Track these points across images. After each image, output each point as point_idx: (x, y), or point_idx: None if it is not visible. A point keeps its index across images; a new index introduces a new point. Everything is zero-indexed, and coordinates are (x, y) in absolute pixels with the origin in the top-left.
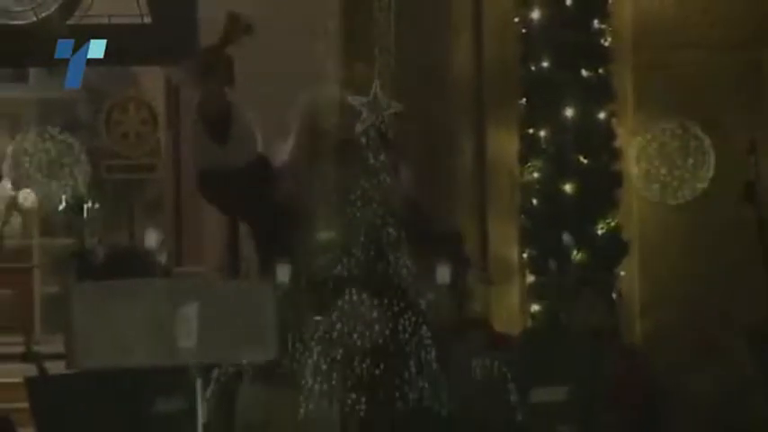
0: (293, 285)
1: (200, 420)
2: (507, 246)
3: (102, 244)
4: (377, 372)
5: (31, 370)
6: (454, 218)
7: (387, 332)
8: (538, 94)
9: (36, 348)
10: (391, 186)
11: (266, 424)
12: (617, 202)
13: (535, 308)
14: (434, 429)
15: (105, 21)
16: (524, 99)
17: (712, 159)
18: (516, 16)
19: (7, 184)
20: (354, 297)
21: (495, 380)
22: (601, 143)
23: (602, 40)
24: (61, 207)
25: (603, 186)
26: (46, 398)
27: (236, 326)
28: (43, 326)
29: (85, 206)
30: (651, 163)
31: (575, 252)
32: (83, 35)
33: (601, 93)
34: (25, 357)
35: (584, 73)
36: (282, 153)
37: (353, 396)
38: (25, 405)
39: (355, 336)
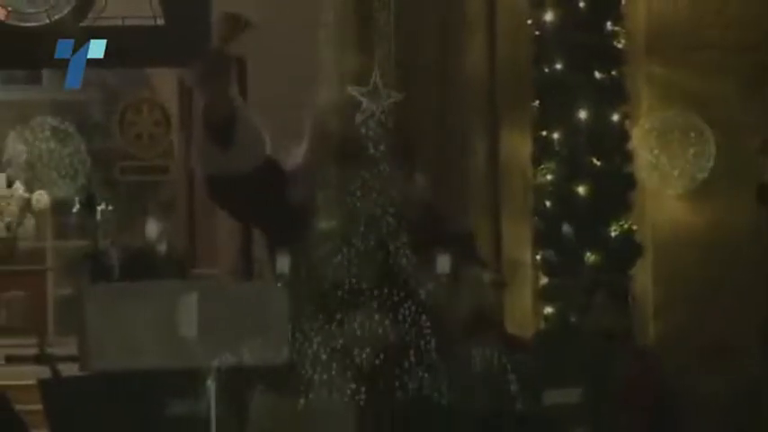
0: (293, 276)
1: (213, 423)
2: (520, 247)
3: (116, 246)
4: (377, 362)
5: (44, 372)
6: (467, 219)
7: (387, 322)
8: (551, 96)
9: (49, 350)
10: (403, 187)
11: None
12: (630, 203)
13: (548, 310)
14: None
15: (119, 22)
16: (537, 101)
17: (713, 149)
18: (529, 18)
19: (20, 186)
20: (354, 287)
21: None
22: (614, 145)
23: (615, 42)
24: (74, 209)
25: (617, 188)
26: (59, 400)
27: (250, 328)
28: (56, 328)
29: (99, 208)
30: (651, 152)
31: (588, 254)
32: (96, 37)
33: (614, 95)
34: (38, 359)
35: (597, 75)
36: (295, 156)
37: (353, 386)
38: (39, 407)
39: (355, 325)
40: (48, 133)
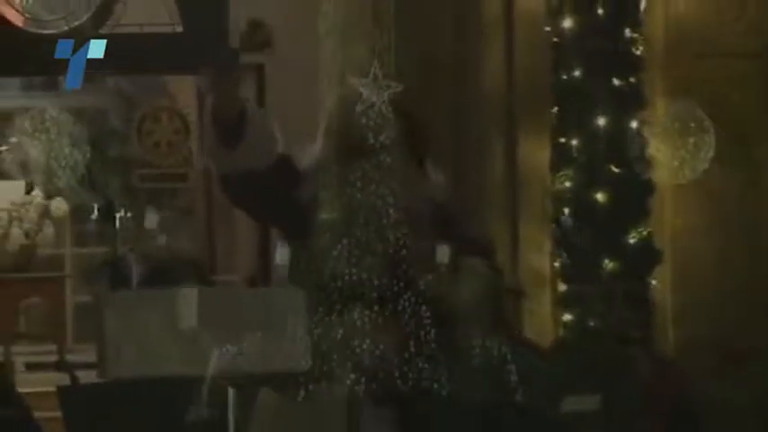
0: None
1: (232, 431)
2: (539, 255)
3: (135, 253)
4: (377, 352)
5: (63, 379)
6: (486, 226)
7: (386, 312)
8: (569, 102)
9: (68, 357)
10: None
11: None
12: (649, 210)
13: (567, 317)
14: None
15: (137, 30)
16: (556, 108)
17: (713, 139)
18: (547, 25)
19: (39, 193)
20: (354, 278)
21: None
22: (633, 152)
23: (633, 49)
24: (93, 216)
25: (635, 195)
26: (78, 407)
27: (268, 335)
28: (75, 335)
29: (117, 215)
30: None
31: (606, 261)
32: (114, 44)
33: (632, 101)
34: (57, 366)
35: (615, 82)
36: (310, 154)
37: (353, 376)
38: (57, 414)
39: (355, 316)
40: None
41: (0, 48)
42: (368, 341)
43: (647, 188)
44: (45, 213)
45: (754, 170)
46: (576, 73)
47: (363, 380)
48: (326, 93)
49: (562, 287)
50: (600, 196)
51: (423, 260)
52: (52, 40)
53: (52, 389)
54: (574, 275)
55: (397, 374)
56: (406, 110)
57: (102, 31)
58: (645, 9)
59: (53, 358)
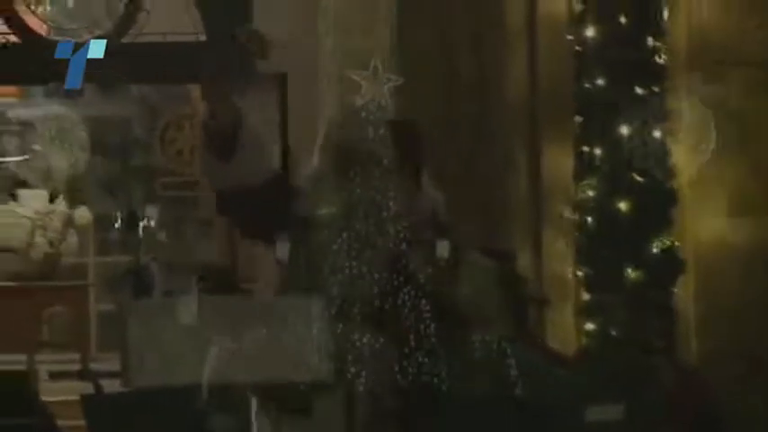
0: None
1: None
2: (562, 264)
3: (158, 261)
4: (376, 345)
5: (86, 388)
6: (509, 235)
7: (386, 306)
8: (592, 111)
9: (92, 366)
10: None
11: None
12: (672, 220)
13: (590, 326)
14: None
15: (160, 39)
16: (579, 117)
17: (713, 132)
18: (570, 34)
19: (62, 202)
20: (354, 272)
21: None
22: (656, 161)
23: (656, 58)
24: (117, 224)
25: (659, 204)
26: (101, 416)
27: (289, 344)
28: (99, 344)
29: (141, 224)
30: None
31: (629, 270)
32: (137, 53)
33: (656, 110)
34: (81, 375)
35: (638, 90)
36: (305, 170)
37: (353, 370)
38: (81, 423)
39: (355, 310)
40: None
41: (23, 56)
42: (368, 335)
43: (671, 197)
44: (68, 222)
45: None
46: (599, 82)
47: (363, 373)
48: (326, 92)
49: (585, 296)
50: (623, 205)
51: (422, 257)
52: (75, 49)
53: (76, 398)
54: (597, 285)
55: (397, 368)
56: (399, 122)
57: (124, 40)
58: (668, 18)
59: (77, 367)
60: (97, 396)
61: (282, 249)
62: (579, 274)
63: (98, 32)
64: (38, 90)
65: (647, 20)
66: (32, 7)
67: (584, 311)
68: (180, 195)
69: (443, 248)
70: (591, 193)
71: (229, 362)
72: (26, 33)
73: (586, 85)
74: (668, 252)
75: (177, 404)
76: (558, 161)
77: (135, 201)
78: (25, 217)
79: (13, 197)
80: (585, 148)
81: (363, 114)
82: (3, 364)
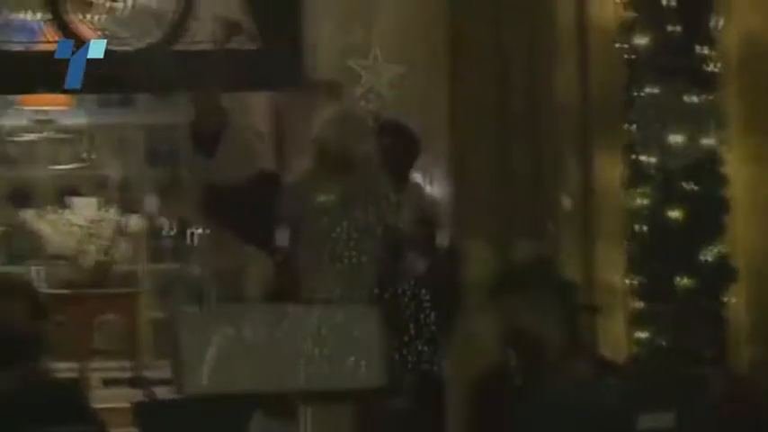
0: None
1: None
2: (613, 272)
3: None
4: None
5: (138, 395)
6: (560, 242)
7: (386, 295)
8: (644, 119)
9: (144, 373)
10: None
11: None
12: (724, 228)
13: (641, 334)
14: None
15: (212, 46)
16: (630, 124)
17: (712, 124)
18: (621, 42)
19: (115, 210)
20: (354, 261)
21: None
22: (708, 169)
23: (707, 66)
24: (169, 232)
25: (711, 212)
26: (153, 423)
27: (342, 351)
28: (151, 351)
29: (192, 231)
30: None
31: (681, 279)
32: (189, 61)
33: (707, 118)
34: (133, 382)
35: (690, 98)
36: (296, 170)
37: (352, 359)
38: (133, 430)
39: (355, 298)
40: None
41: None
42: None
43: (723, 205)
44: (120, 230)
45: None
46: (651, 90)
47: (363, 363)
48: (328, 115)
49: (637, 305)
50: (675, 213)
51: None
52: (126, 58)
53: (128, 405)
54: (648, 293)
55: (397, 356)
56: (393, 124)
57: (176, 48)
58: (718, 26)
59: (128, 374)
60: (149, 403)
61: (282, 236)
62: (631, 282)
63: (149, 40)
64: (90, 98)
65: (698, 28)
66: (85, 16)
67: (636, 320)
68: None
69: (443, 238)
70: (642, 202)
71: (280, 369)
72: (78, 42)
73: (637, 93)
74: (720, 260)
75: (229, 411)
76: (610, 169)
77: (187, 209)
78: (77, 225)
79: (66, 205)
80: (637, 157)
81: (363, 103)
82: (55, 372)
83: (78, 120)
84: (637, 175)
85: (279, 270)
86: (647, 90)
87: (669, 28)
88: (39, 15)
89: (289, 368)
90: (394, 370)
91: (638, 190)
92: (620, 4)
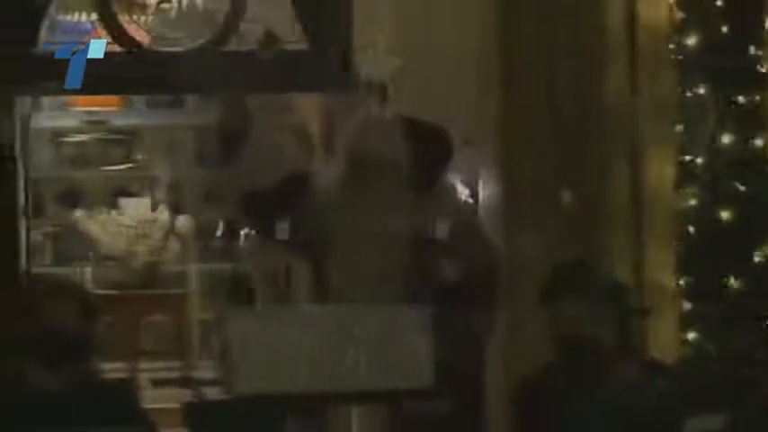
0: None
1: None
2: (663, 273)
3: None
4: None
5: (188, 395)
6: (610, 244)
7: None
8: (694, 120)
9: (193, 374)
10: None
11: None
12: None
13: (691, 335)
14: None
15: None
16: (680, 125)
17: (712, 119)
18: (671, 42)
19: (164, 210)
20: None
21: None
22: (758, 169)
23: (758, 66)
24: (217, 233)
25: (761, 213)
26: (203, 423)
27: (387, 352)
28: (200, 351)
29: (242, 232)
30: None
31: (731, 280)
32: (238, 62)
33: (758, 119)
34: (182, 383)
35: (740, 99)
36: (327, 172)
37: (352, 352)
38: (183, 431)
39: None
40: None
41: (125, 66)
42: None
43: None
44: (170, 230)
45: None
46: (701, 90)
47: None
48: (361, 118)
49: (686, 305)
50: (725, 214)
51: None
52: (177, 59)
53: (177, 405)
54: (698, 294)
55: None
56: (425, 127)
57: (225, 49)
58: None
59: (178, 375)
60: (198, 403)
61: (282, 230)
62: (680, 283)
63: (199, 41)
64: (140, 99)
65: (749, 28)
66: (135, 17)
67: (686, 321)
68: None
69: (443, 230)
70: (692, 202)
71: (326, 370)
72: (128, 43)
73: (688, 94)
74: None
75: (278, 412)
76: (660, 170)
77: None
78: (127, 225)
79: (115, 206)
80: (687, 157)
81: (388, 113)
82: (105, 373)
83: (128, 120)
84: (685, 176)
85: (320, 272)
86: (696, 90)
87: (719, 28)
88: (89, 16)
89: (335, 369)
90: (438, 372)
91: (687, 190)
92: (670, 5)
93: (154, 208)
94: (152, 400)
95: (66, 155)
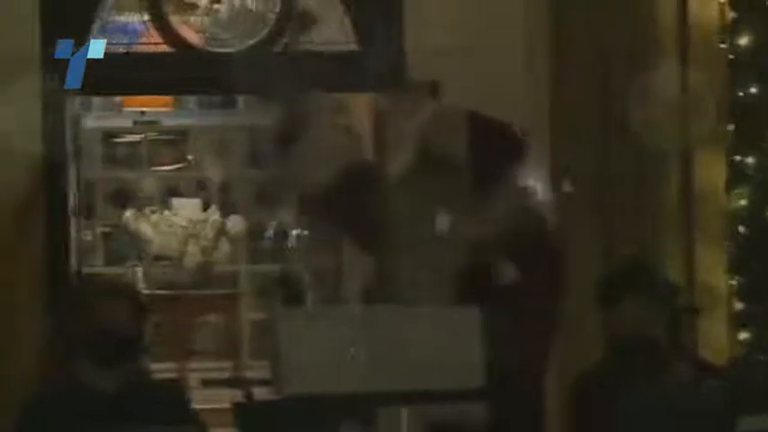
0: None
1: None
2: (714, 273)
3: (309, 270)
4: None
5: (238, 396)
6: (661, 244)
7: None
8: (745, 120)
9: (244, 374)
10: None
11: None
12: None
13: (743, 336)
14: None
15: (313, 48)
16: (732, 125)
17: (712, 108)
18: (723, 42)
19: (215, 211)
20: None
21: None
22: None
23: None
24: (269, 233)
25: None
26: (253, 423)
27: (440, 352)
28: (251, 352)
29: (293, 233)
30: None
31: None
32: (291, 62)
33: None
34: (233, 383)
35: None
36: (397, 167)
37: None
38: (233, 431)
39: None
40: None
41: (177, 66)
42: None
43: None
44: (221, 231)
45: None
46: (752, 90)
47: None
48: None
49: (738, 306)
50: None
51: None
52: (228, 60)
53: (228, 405)
54: (749, 294)
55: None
56: (494, 124)
57: (276, 50)
58: None
59: (228, 375)
60: (249, 404)
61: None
62: (732, 283)
63: (251, 42)
64: (192, 100)
65: None
66: (186, 17)
67: (737, 321)
68: None
69: (443, 222)
70: (743, 203)
71: (378, 370)
72: (180, 43)
73: (739, 94)
74: None
75: (328, 412)
76: (711, 170)
77: (287, 210)
78: (179, 226)
79: (168, 206)
80: (738, 157)
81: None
82: (157, 372)
83: (180, 121)
84: (737, 176)
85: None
86: (748, 90)
87: None
88: (141, 17)
89: (386, 369)
90: (492, 372)
91: (739, 190)
92: (722, 4)
93: (205, 208)
94: (203, 400)
95: (118, 155)
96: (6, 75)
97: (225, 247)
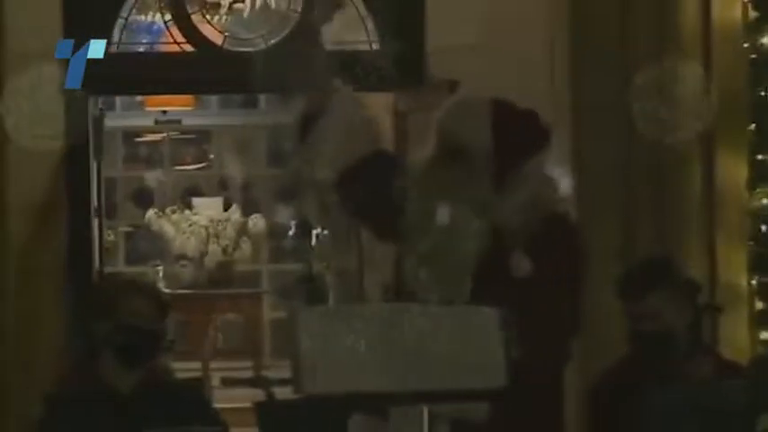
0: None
1: None
2: (736, 272)
3: (330, 269)
4: None
5: (259, 395)
6: (682, 243)
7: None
8: (766, 119)
9: (265, 373)
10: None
11: None
12: None
13: (765, 335)
14: None
15: (335, 47)
16: (753, 124)
17: (714, 100)
18: (746, 41)
19: (237, 210)
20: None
21: None
22: None
23: None
24: (290, 232)
25: None
26: (274, 423)
27: (460, 351)
28: (272, 351)
29: (314, 232)
30: (649, 101)
31: None
32: (310, 54)
33: None
34: (254, 382)
35: None
36: (416, 157)
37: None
38: (254, 430)
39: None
40: (262, 156)
41: (199, 66)
42: None
43: None
44: (242, 230)
45: None
46: None
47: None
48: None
49: (759, 305)
50: None
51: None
52: (250, 59)
53: (248, 405)
54: None
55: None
56: (519, 112)
57: (298, 49)
58: None
59: (249, 374)
60: (270, 403)
61: (281, 215)
62: (753, 282)
63: (273, 41)
64: (213, 99)
65: None
66: (208, 17)
67: (758, 320)
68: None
69: (443, 215)
70: (765, 201)
71: (398, 369)
72: (202, 43)
73: (761, 93)
74: None
75: (349, 412)
76: (733, 169)
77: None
78: (200, 225)
79: (189, 205)
80: (760, 157)
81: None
82: (177, 372)
83: (201, 120)
84: (759, 175)
85: (396, 270)
86: None
87: None
88: (163, 17)
89: (407, 368)
90: (512, 371)
91: (760, 189)
92: (745, 4)
93: (226, 207)
94: (224, 399)
95: (139, 154)
96: (30, 73)
97: (246, 246)
